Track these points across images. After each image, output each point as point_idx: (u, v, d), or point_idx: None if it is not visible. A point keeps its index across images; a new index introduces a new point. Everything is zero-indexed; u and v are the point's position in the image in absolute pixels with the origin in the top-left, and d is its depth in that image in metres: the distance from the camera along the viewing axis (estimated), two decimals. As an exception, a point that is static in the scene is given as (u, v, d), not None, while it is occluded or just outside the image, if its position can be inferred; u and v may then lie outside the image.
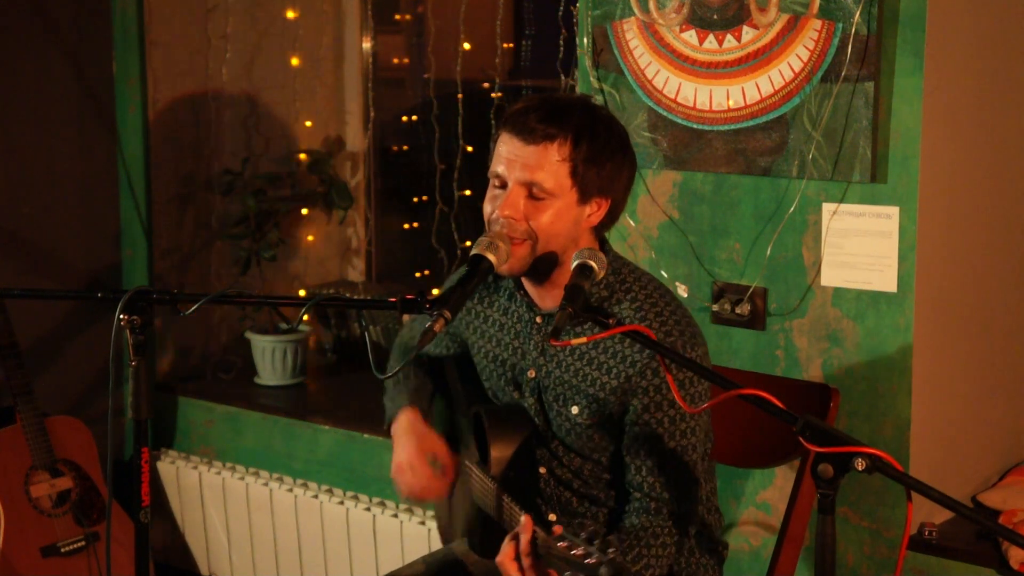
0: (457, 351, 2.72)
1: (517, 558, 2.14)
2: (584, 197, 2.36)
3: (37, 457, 3.78)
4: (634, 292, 2.41)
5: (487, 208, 2.38)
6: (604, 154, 2.35)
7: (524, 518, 2.14)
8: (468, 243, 4.26)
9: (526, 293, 2.49)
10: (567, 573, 1.98)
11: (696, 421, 2.39)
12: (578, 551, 1.96)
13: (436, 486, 2.52)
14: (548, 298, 2.45)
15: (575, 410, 2.41)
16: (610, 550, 1.92)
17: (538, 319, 2.48)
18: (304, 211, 4.66)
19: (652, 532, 2.32)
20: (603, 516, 2.51)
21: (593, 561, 1.92)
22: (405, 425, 2.57)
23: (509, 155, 2.35)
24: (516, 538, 2.15)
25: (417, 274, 4.86)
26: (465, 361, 2.69)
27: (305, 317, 4.41)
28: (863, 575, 2.98)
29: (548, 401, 2.46)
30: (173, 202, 4.40)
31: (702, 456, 2.43)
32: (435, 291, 2.95)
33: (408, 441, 2.54)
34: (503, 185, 2.36)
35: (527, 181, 2.32)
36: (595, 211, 2.38)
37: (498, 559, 2.18)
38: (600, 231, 2.44)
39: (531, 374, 2.48)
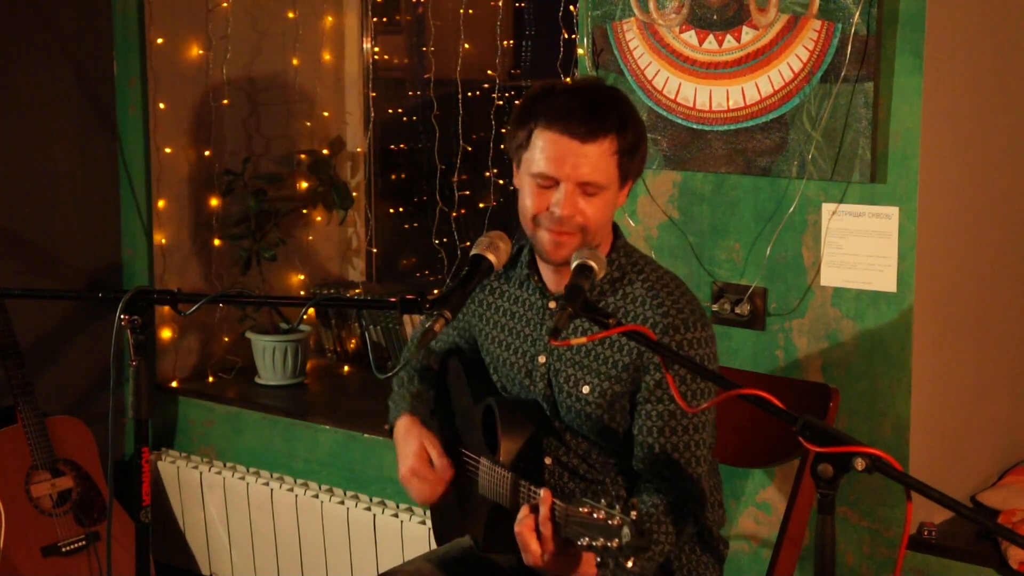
0: (465, 345, 2.73)
1: (536, 529, 2.14)
2: (623, 183, 2.42)
3: (38, 457, 3.78)
4: (646, 273, 2.46)
5: (530, 205, 2.39)
6: (639, 141, 2.41)
7: (544, 491, 2.14)
8: (468, 244, 4.26)
9: (540, 279, 2.50)
10: (585, 537, 1.98)
11: (706, 399, 2.40)
12: (600, 514, 1.96)
13: (440, 489, 2.54)
14: (563, 282, 2.46)
15: (586, 389, 2.43)
16: (632, 512, 1.92)
17: (551, 304, 2.49)
18: (304, 211, 4.66)
19: (663, 510, 2.33)
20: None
21: (616, 522, 1.93)
22: (403, 432, 2.62)
23: (561, 156, 2.35)
24: (535, 510, 2.16)
25: (417, 274, 4.86)
26: (473, 355, 2.70)
27: (305, 317, 4.41)
28: (863, 575, 2.98)
29: (559, 384, 2.48)
30: (173, 202, 4.40)
31: (709, 443, 2.44)
32: (435, 291, 2.95)
33: (407, 449, 2.58)
34: (550, 184, 2.37)
35: (585, 181, 2.35)
36: (624, 192, 2.45)
37: (516, 529, 2.18)
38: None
39: (542, 359, 2.50)
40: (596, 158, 2.34)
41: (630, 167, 2.41)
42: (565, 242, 2.37)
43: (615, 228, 2.50)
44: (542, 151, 2.36)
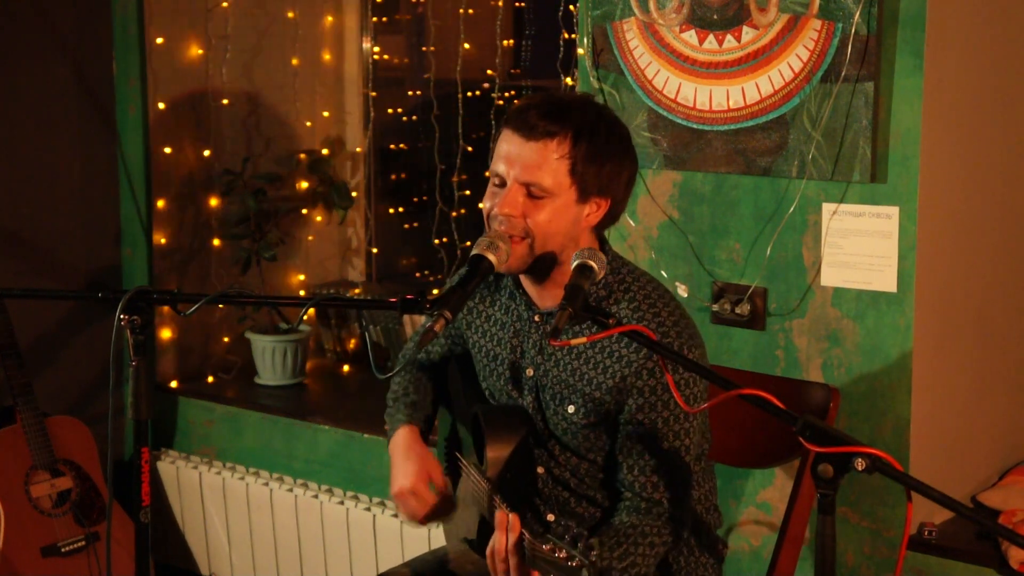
0: (459, 351, 2.72)
1: (505, 556, 2.16)
2: (583, 196, 2.35)
3: (37, 457, 3.78)
4: (632, 292, 2.41)
5: (486, 204, 2.38)
6: (604, 153, 2.34)
7: (512, 517, 2.15)
8: (468, 243, 4.26)
9: (525, 292, 2.49)
10: (550, 574, 2.00)
11: (691, 423, 2.39)
12: (561, 553, 1.98)
13: (436, 509, 2.54)
14: (547, 297, 2.46)
15: (571, 409, 2.41)
16: (592, 553, 1.94)
17: (536, 317, 2.48)
18: (304, 211, 4.67)
19: (641, 531, 2.33)
20: (600, 516, 2.51)
21: (575, 564, 1.95)
22: (403, 446, 2.59)
23: (509, 153, 2.34)
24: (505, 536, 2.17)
25: (417, 274, 4.87)
26: (466, 361, 2.69)
27: (305, 317, 4.41)
28: (863, 575, 2.98)
29: (545, 400, 2.46)
30: (173, 202, 4.40)
31: (696, 457, 2.43)
32: (435, 291, 2.95)
33: (407, 466, 2.55)
34: (502, 183, 2.36)
35: (526, 180, 2.32)
36: (594, 211, 2.38)
37: (488, 551, 2.19)
38: (600, 230, 2.44)
39: (529, 372, 2.48)
40: (540, 158, 2.31)
41: (590, 179, 2.33)
42: (512, 250, 2.33)
43: (603, 242, 2.46)
44: (497, 150, 2.37)
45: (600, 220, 2.40)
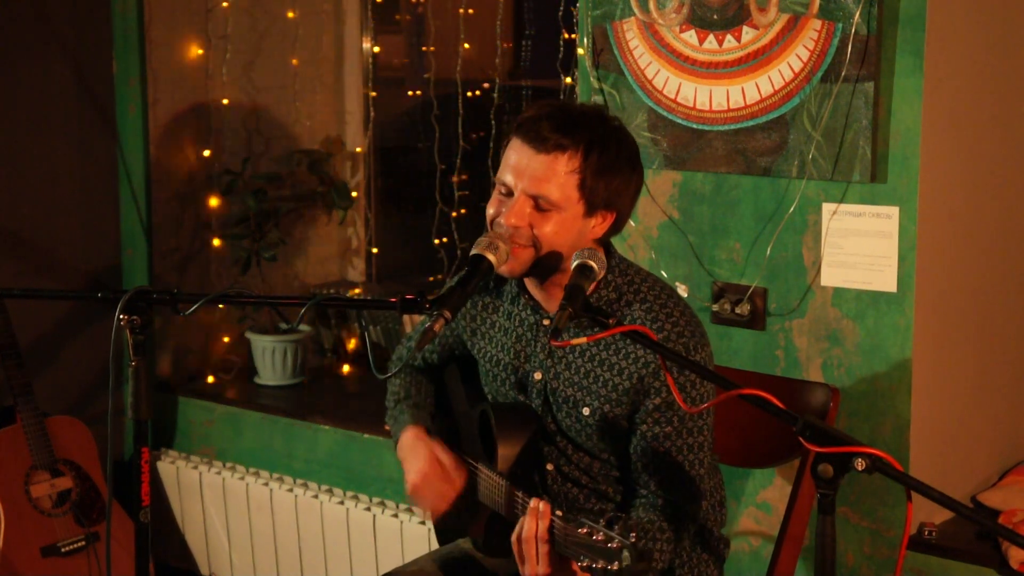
0: (458, 353, 2.72)
1: (535, 544, 2.14)
2: (590, 210, 2.35)
3: (37, 457, 3.78)
4: (643, 294, 2.42)
5: (491, 211, 2.38)
6: (613, 168, 2.34)
7: (543, 504, 2.13)
8: (467, 244, 4.27)
9: (531, 296, 2.49)
10: (585, 559, 1.97)
11: (704, 420, 2.39)
12: (599, 536, 1.95)
13: (452, 496, 2.53)
14: (553, 301, 2.45)
15: (586, 411, 2.41)
16: (632, 535, 1.91)
17: (545, 322, 2.48)
18: (304, 211, 4.66)
19: (658, 526, 2.33)
20: (611, 511, 2.51)
21: (615, 545, 1.92)
22: (412, 442, 2.58)
23: (518, 164, 2.33)
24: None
25: (417, 274, 4.87)
26: (466, 362, 2.69)
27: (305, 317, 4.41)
28: (863, 575, 2.98)
29: (557, 403, 2.46)
30: (173, 202, 4.40)
31: (708, 453, 2.44)
32: (435, 291, 2.95)
33: (418, 457, 2.54)
34: (509, 193, 2.36)
35: (534, 193, 2.32)
36: (600, 223, 2.39)
37: (513, 538, 2.17)
38: (604, 240, 2.45)
39: (537, 376, 2.48)
40: (549, 171, 2.31)
41: (598, 193, 2.33)
42: (515, 255, 2.34)
43: (609, 247, 2.47)
44: (506, 158, 2.37)
45: (605, 232, 2.41)
